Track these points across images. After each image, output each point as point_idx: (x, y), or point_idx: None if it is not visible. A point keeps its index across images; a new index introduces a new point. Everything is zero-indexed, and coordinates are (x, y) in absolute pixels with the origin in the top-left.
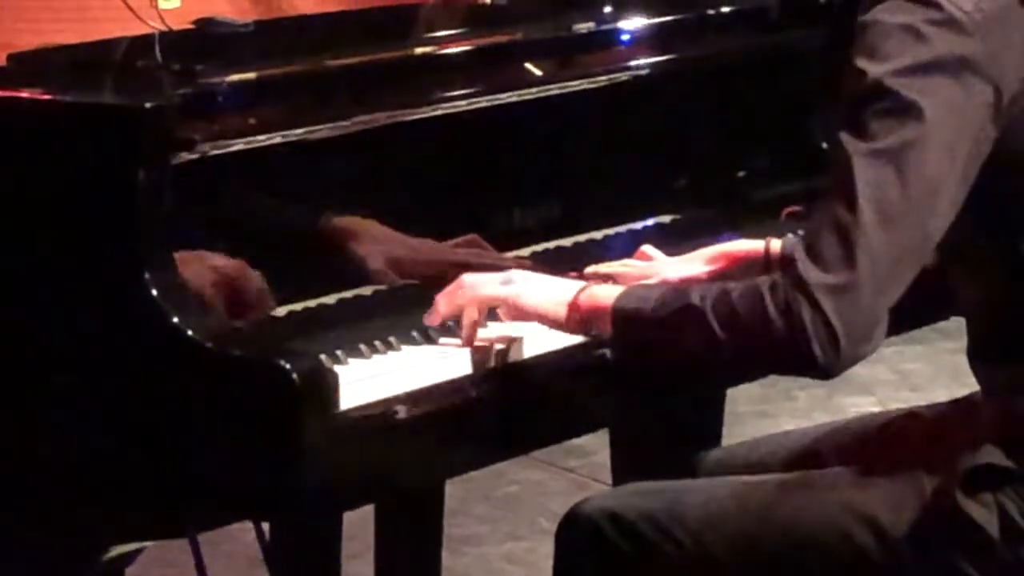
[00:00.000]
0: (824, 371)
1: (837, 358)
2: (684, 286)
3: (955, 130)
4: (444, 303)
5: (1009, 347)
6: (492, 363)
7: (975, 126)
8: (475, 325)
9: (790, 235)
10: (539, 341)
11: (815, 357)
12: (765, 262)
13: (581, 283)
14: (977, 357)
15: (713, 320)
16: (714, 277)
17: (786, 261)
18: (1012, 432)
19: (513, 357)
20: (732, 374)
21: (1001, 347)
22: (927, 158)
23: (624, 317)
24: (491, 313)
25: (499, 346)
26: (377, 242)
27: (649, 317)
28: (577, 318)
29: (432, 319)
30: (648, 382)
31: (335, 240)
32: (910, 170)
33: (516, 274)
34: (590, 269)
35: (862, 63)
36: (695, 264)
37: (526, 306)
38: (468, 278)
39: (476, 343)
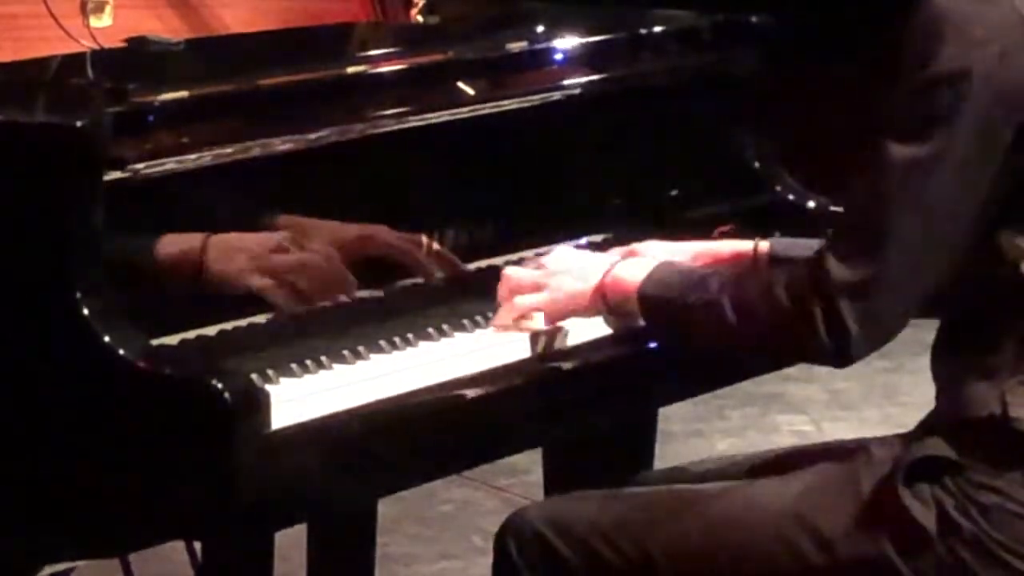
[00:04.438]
0: (836, 362)
1: (846, 353)
2: (706, 272)
3: (995, 137)
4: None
5: (974, 335)
6: (547, 348)
7: (1009, 132)
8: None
9: (778, 236)
10: (472, 359)
11: (824, 351)
12: (753, 264)
13: (608, 259)
14: (941, 350)
15: (730, 311)
16: None
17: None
18: (959, 420)
19: (559, 345)
20: (743, 357)
21: (966, 336)
22: (966, 169)
23: (648, 303)
24: None
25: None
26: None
27: (672, 304)
28: (604, 304)
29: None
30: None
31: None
32: (948, 182)
33: (550, 271)
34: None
35: (919, 60)
36: (681, 257)
37: (561, 309)
38: (505, 285)
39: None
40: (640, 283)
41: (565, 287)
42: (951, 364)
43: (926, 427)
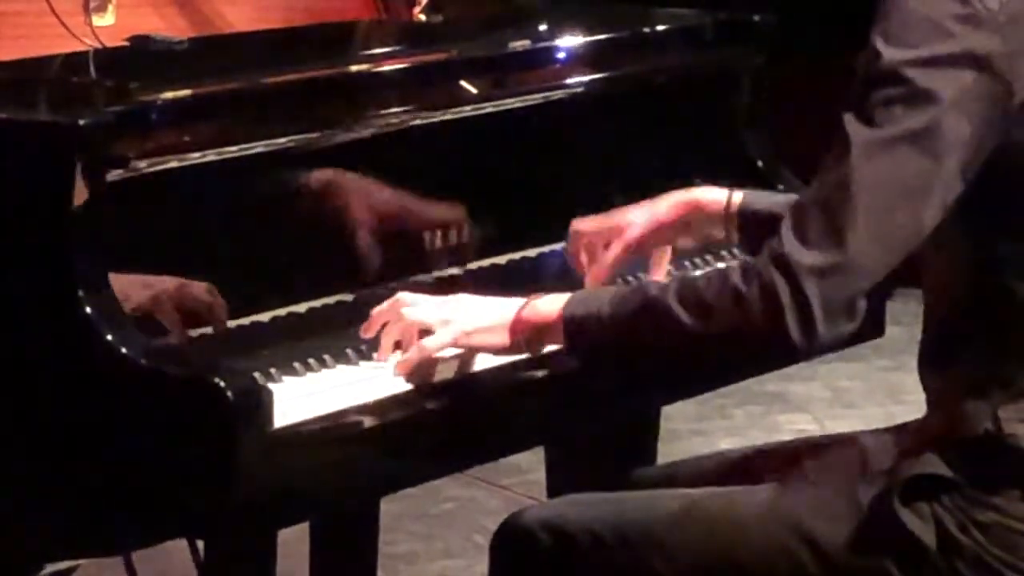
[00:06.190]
0: (799, 350)
1: (813, 337)
2: (635, 283)
3: (961, 126)
4: (378, 320)
5: (963, 349)
6: (431, 378)
7: (982, 125)
8: (395, 346)
9: (754, 191)
10: (476, 358)
11: (790, 336)
12: (725, 214)
13: (518, 301)
14: (929, 362)
15: (680, 310)
16: (676, 223)
17: (758, 219)
18: (953, 438)
19: (447, 374)
20: (702, 363)
21: (955, 349)
22: (927, 151)
23: (578, 325)
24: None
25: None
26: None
27: (607, 319)
28: (523, 338)
29: (365, 332)
30: (611, 382)
31: (268, 256)
32: (908, 162)
33: (453, 305)
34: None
35: (879, 45)
36: (659, 207)
37: (469, 341)
38: (405, 299)
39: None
40: (561, 307)
41: (471, 318)
42: (940, 377)
43: (921, 437)
